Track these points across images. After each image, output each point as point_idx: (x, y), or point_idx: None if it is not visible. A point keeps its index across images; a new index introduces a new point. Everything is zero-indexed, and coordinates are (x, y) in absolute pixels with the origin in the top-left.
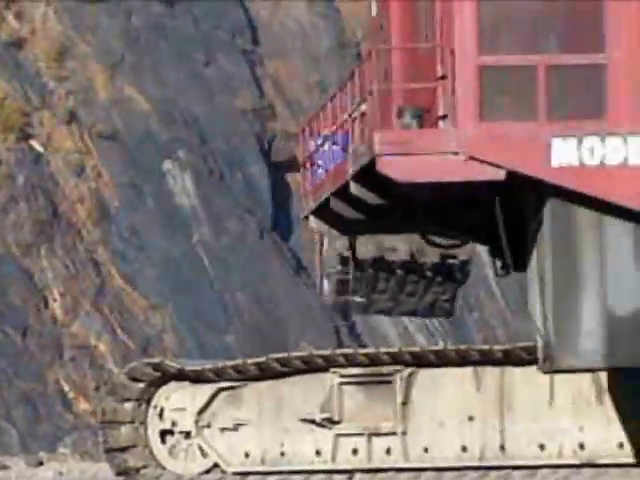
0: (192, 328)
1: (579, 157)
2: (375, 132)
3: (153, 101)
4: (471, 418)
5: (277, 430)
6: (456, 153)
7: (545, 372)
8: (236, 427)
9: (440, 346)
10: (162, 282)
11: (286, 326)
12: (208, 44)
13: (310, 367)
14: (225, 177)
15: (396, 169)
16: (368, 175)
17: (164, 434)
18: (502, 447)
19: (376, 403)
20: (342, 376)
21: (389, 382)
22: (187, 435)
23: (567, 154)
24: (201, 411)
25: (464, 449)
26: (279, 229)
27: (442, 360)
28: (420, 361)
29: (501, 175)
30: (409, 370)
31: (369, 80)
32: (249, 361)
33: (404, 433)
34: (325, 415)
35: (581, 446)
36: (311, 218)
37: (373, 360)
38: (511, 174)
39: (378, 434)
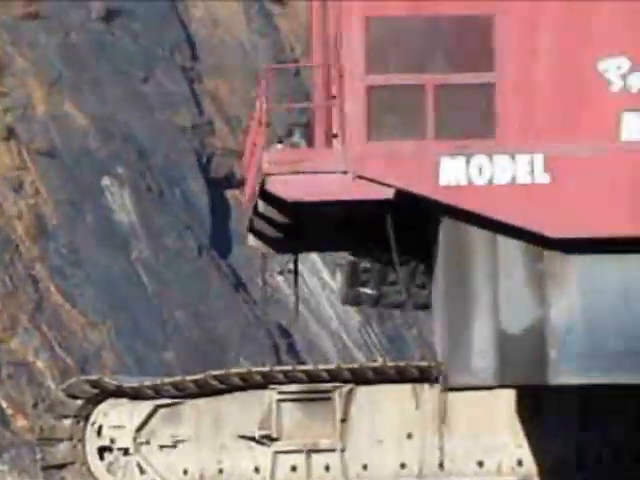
0: (131, 345)
1: (467, 176)
2: (264, 151)
3: (92, 117)
4: (410, 435)
5: (216, 447)
6: (345, 172)
7: (442, 390)
8: (175, 444)
9: (379, 363)
10: (100, 299)
11: (225, 343)
12: (147, 61)
13: (249, 384)
14: (164, 193)
15: (284, 188)
16: (270, 194)
17: (102, 451)
18: (441, 464)
19: (315, 420)
20: (281, 393)
21: (328, 399)
22: (125, 452)
23: (455, 173)
24: (139, 428)
25: (403, 466)
26: (218, 246)
27: (381, 377)
28: (359, 378)
29: (390, 194)
30: (348, 387)
31: (259, 100)
32: (188, 378)
33: (343, 450)
34: (264, 432)
35: (519, 462)
36: (250, 237)
37: (312, 377)
38: (400, 193)
39: (317, 451)
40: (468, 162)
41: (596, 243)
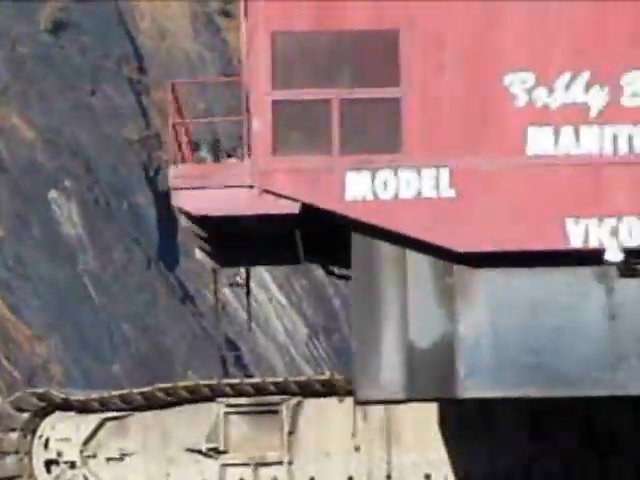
0: (78, 358)
1: (373, 190)
2: (170, 166)
3: (39, 130)
4: (357, 448)
5: (163, 460)
6: (251, 187)
7: (355, 404)
8: (122, 457)
9: (326, 375)
10: (47, 312)
11: (172, 356)
12: (94, 73)
13: (196, 397)
14: (111, 206)
15: (190, 202)
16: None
17: (49, 464)
18: (388, 477)
19: (262, 433)
20: (228, 406)
21: (275, 412)
22: (72, 465)
23: (361, 187)
24: (86, 441)
25: (350, 479)
26: (165, 258)
27: (328, 389)
28: (306, 391)
29: (295, 208)
30: (295, 400)
31: (169, 114)
32: (135, 391)
33: (290, 463)
34: (211, 445)
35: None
36: (197, 250)
37: (259, 390)
38: (306, 207)
39: (264, 464)
40: (374, 176)
41: (503, 257)
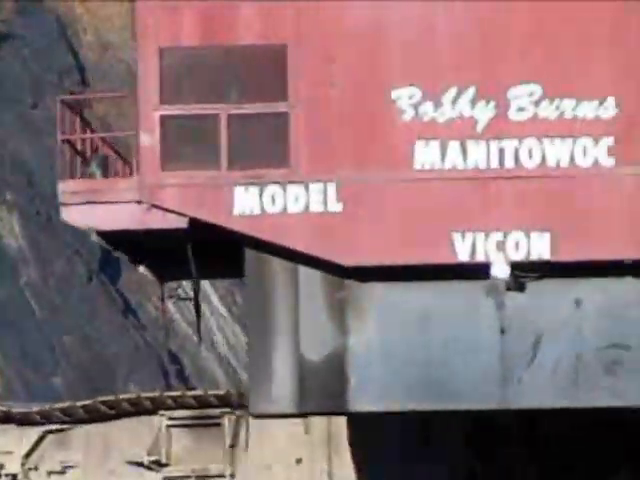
0: (19, 370)
1: (261, 205)
2: (60, 181)
3: None
4: (299, 461)
5: (105, 473)
6: (140, 202)
7: (252, 417)
8: (64, 470)
9: None
10: None
11: (114, 368)
12: (36, 86)
13: (138, 409)
14: (53, 219)
15: (81, 218)
16: None
17: None
18: None
19: (204, 446)
20: (170, 419)
21: (217, 424)
22: (14, 478)
23: (249, 202)
24: (28, 454)
25: None
26: (107, 271)
27: None
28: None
29: (183, 223)
30: (238, 413)
31: (60, 130)
32: (77, 404)
33: (232, 476)
34: (153, 458)
35: None
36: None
37: (201, 402)
38: (195, 222)
39: (206, 477)
40: (262, 191)
41: (394, 271)
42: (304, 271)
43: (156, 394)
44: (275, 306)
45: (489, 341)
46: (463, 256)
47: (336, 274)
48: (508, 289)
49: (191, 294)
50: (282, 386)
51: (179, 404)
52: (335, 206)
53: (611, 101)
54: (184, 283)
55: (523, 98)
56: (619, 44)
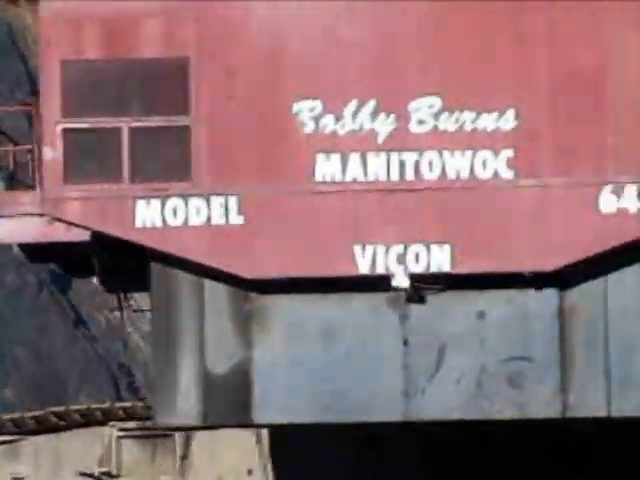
0: None
1: (163, 217)
2: None
3: None
4: (250, 472)
5: None
6: (42, 215)
7: (157, 428)
8: None
9: None
10: None
11: (65, 380)
12: None
13: (89, 421)
14: None
15: None
16: None
17: None
18: None
19: (155, 457)
20: (121, 430)
21: (168, 435)
22: None
23: (151, 215)
24: None
25: None
26: (58, 282)
27: None
28: None
29: (86, 236)
30: None
31: None
32: (27, 415)
33: None
34: (104, 469)
35: None
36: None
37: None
38: (97, 235)
39: None
40: (164, 204)
41: (298, 284)
42: (209, 284)
43: (107, 405)
44: (181, 319)
45: (392, 353)
46: (364, 268)
47: (241, 287)
48: (408, 301)
49: (143, 306)
50: (187, 398)
51: (130, 415)
52: (236, 219)
53: (511, 113)
54: (136, 295)
55: (423, 111)
56: (519, 57)
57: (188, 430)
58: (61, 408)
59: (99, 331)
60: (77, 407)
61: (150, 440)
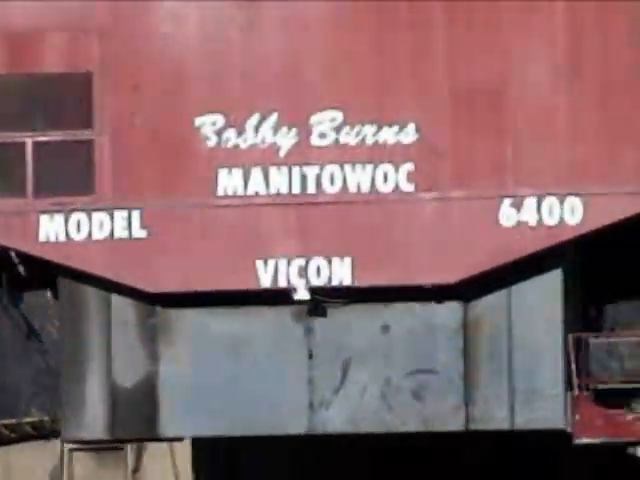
0: None
1: (66, 232)
2: None
3: None
4: None
5: None
6: None
7: (64, 442)
8: None
9: None
10: None
11: (16, 392)
12: None
13: (40, 433)
14: None
15: None
16: None
17: None
18: None
19: (107, 470)
20: (73, 442)
21: (120, 449)
22: None
23: (54, 229)
24: None
25: None
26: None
27: None
28: None
29: None
30: None
31: None
32: None
33: None
34: None
35: None
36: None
37: None
38: (3, 249)
39: None
40: (67, 218)
41: (204, 298)
42: (117, 298)
43: (58, 418)
44: (87, 332)
45: (297, 366)
46: (266, 282)
47: (147, 301)
48: (310, 314)
49: None
50: (94, 412)
51: None
52: (139, 232)
53: (411, 127)
54: None
55: (325, 124)
56: (420, 71)
57: (137, 442)
58: (12, 420)
59: (51, 343)
60: (29, 419)
61: (101, 453)
